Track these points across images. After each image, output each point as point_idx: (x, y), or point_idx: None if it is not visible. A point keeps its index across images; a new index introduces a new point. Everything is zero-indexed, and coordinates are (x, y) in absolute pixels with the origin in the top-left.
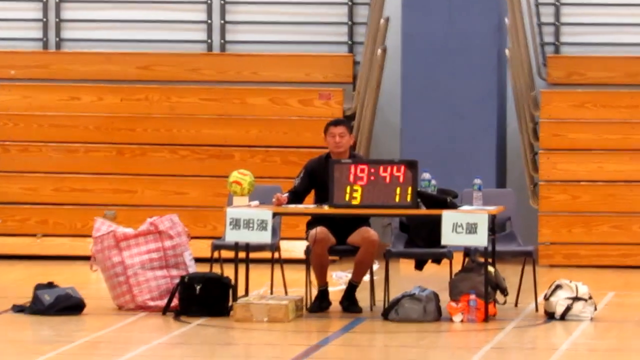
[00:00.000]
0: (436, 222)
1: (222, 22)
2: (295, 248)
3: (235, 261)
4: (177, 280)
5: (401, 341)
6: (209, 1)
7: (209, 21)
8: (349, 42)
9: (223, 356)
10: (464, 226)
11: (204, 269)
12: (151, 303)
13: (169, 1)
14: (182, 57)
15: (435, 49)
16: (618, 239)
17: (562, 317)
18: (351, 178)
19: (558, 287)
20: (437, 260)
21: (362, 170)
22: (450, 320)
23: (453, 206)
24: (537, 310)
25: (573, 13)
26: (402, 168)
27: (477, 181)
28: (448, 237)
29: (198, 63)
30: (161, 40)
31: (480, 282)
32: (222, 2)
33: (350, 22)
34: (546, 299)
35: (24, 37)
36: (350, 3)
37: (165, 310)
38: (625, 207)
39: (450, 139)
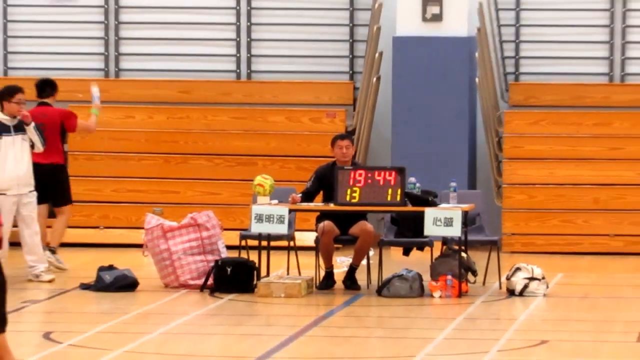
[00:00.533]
0: (420, 217)
1: (249, 55)
2: (307, 238)
3: (259, 248)
4: (212, 264)
5: (392, 313)
6: (238, 38)
7: (238, 55)
8: (350, 71)
9: (249, 325)
10: (442, 220)
11: (233, 254)
12: (191, 282)
13: (206, 38)
14: (216, 83)
15: (419, 77)
16: (566, 231)
17: (521, 294)
18: (351, 181)
19: (517, 269)
20: (421, 247)
21: (360, 175)
22: (431, 296)
23: (434, 204)
24: (500, 288)
25: (530, 49)
26: (393, 173)
27: (453, 184)
28: (429, 229)
29: (229, 88)
30: (199, 70)
31: (455, 265)
32: (249, 39)
33: (351, 56)
34: (508, 279)
35: (89, 68)
36: (350, 40)
37: (202, 288)
38: (572, 205)
39: (431, 150)
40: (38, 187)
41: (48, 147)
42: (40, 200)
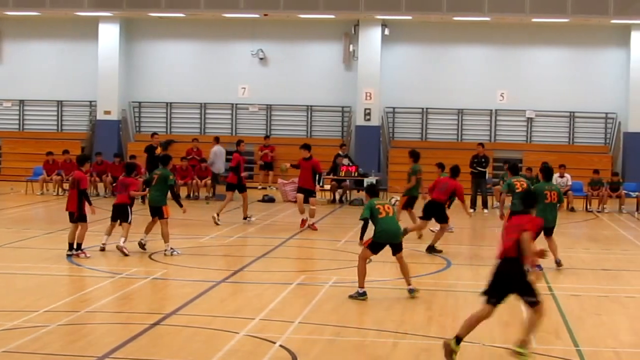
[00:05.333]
0: (362, 180)
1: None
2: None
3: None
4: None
5: (355, 210)
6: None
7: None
8: (342, 136)
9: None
10: (369, 181)
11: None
12: (292, 199)
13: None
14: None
15: (364, 139)
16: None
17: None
18: (344, 169)
19: (391, 198)
20: (363, 189)
21: (346, 167)
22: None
23: (367, 177)
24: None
25: (397, 127)
26: (355, 167)
27: (373, 171)
28: (365, 184)
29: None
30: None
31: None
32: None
33: (342, 131)
34: (389, 200)
35: None
36: (342, 126)
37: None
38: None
39: (368, 160)
40: None
41: None
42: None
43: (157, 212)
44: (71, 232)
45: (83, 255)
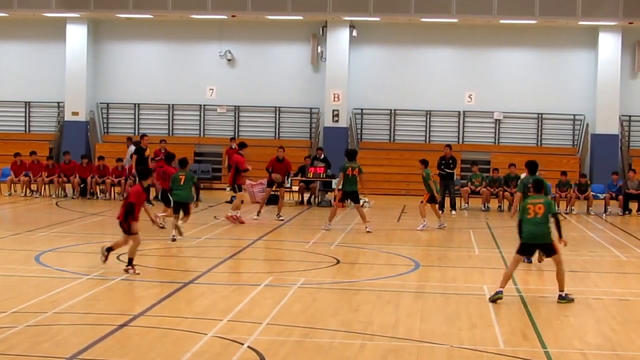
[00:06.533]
0: (331, 181)
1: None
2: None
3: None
4: (263, 194)
5: (324, 211)
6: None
7: (311, 135)
8: (310, 138)
9: (271, 208)
10: (334, 183)
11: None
12: (259, 200)
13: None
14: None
15: (333, 140)
16: (370, 186)
17: (363, 206)
18: (312, 170)
19: (362, 199)
20: (331, 191)
21: (314, 169)
22: (332, 206)
23: (334, 178)
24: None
25: (365, 130)
26: (324, 167)
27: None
28: (334, 185)
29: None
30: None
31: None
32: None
33: (310, 133)
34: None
35: None
36: (310, 128)
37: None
38: (372, 170)
39: (335, 159)
40: None
41: None
42: None
43: (185, 208)
44: (120, 242)
45: (132, 271)
